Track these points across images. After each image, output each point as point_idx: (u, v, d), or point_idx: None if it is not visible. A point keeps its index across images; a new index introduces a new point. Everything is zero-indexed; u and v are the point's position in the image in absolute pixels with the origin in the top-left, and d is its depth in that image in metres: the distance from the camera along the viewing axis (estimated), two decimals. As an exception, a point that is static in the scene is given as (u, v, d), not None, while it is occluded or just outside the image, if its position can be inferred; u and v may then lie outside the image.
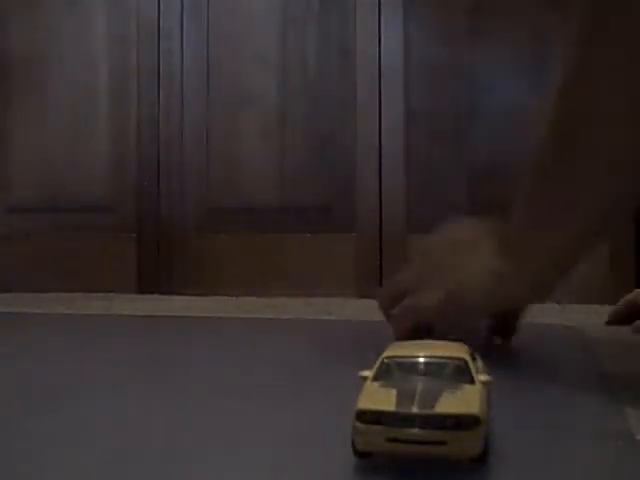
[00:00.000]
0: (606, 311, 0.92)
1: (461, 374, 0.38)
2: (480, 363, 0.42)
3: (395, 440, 0.34)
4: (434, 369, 0.39)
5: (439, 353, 0.40)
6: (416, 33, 1.46)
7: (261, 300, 1.34)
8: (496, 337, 0.69)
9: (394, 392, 0.36)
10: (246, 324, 1.01)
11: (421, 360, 0.39)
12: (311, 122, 1.51)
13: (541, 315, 1.07)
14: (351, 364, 0.63)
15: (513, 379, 0.58)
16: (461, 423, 0.34)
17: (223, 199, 1.55)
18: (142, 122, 1.58)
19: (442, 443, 0.34)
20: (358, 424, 0.35)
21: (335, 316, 1.10)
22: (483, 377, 0.39)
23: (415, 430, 0.34)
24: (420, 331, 0.59)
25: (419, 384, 0.37)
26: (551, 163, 0.54)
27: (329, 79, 1.50)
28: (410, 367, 0.39)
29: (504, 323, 0.68)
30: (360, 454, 0.36)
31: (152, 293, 1.54)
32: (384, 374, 0.39)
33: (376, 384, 0.38)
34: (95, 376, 0.60)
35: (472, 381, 0.38)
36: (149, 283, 1.56)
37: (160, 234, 1.57)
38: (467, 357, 0.40)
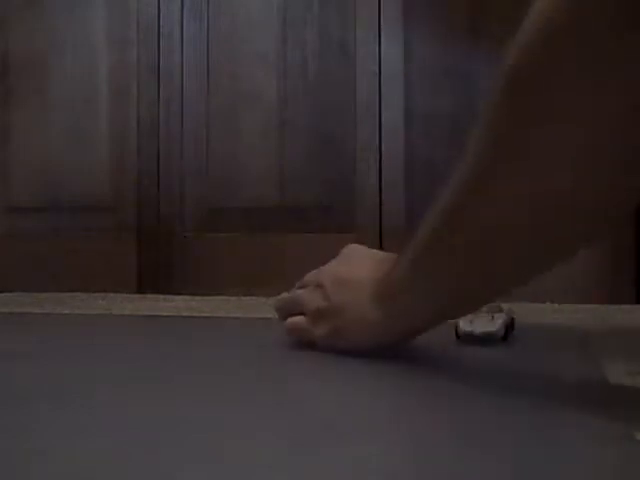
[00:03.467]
0: (606, 311, 0.92)
1: None
2: None
3: None
4: None
5: None
6: (416, 33, 1.46)
7: (261, 300, 1.34)
8: None
9: None
10: (246, 324, 1.01)
11: None
12: (311, 122, 1.51)
13: (541, 315, 1.07)
14: (351, 363, 0.63)
15: (513, 379, 0.58)
16: None
17: (223, 199, 1.55)
18: (142, 122, 1.58)
19: None
20: None
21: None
22: None
23: None
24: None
25: None
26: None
27: (329, 79, 1.50)
28: None
29: None
30: None
31: (152, 293, 1.54)
32: None
33: None
34: (95, 376, 0.60)
35: None
36: (149, 283, 1.56)
37: (160, 234, 1.57)
38: None
